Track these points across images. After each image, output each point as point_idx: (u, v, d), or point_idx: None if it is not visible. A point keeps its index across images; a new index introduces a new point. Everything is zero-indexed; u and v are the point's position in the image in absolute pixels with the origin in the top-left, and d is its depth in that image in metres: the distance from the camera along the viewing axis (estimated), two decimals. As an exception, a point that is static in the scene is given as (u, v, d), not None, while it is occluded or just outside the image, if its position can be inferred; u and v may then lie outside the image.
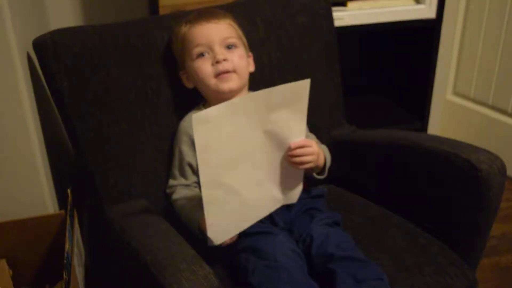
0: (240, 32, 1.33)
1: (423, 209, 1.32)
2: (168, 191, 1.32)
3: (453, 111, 2.55)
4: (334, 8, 1.60)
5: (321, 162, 1.27)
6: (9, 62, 1.19)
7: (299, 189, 1.25)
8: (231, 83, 1.26)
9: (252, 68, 1.35)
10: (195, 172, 1.28)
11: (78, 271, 1.30)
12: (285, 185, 1.22)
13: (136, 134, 1.31)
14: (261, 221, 1.21)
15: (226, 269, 1.20)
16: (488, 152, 1.21)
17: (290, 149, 1.16)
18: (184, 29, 1.29)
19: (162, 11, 1.68)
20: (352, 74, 1.86)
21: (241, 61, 1.27)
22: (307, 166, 1.20)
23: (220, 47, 1.25)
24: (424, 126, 2.18)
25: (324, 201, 1.35)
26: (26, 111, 1.25)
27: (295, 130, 1.16)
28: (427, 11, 1.95)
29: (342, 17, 1.86)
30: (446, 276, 1.15)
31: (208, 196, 1.06)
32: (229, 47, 1.26)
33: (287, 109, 1.11)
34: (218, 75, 1.25)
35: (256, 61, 1.38)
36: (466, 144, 1.26)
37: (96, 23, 1.32)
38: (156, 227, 1.15)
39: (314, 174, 1.30)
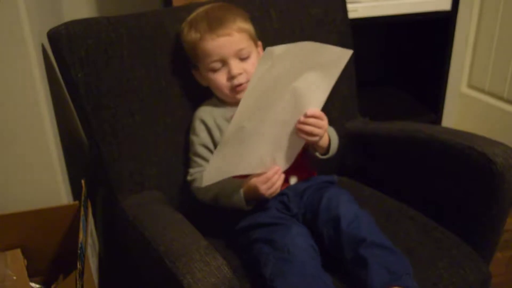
0: (251, 30, 1.30)
1: (437, 202, 1.32)
2: (189, 178, 1.31)
3: (468, 104, 2.53)
4: (348, 0, 1.59)
5: (324, 143, 1.27)
6: (24, 54, 1.20)
7: (290, 160, 1.23)
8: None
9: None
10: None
11: (92, 261, 1.31)
12: (283, 150, 1.21)
13: (150, 125, 1.32)
14: (278, 211, 1.23)
15: (239, 260, 1.20)
16: (503, 145, 1.20)
17: (305, 115, 1.16)
18: (194, 36, 1.27)
19: (175, 3, 1.68)
20: (366, 66, 1.85)
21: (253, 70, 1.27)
22: (313, 138, 1.20)
23: (235, 60, 1.25)
24: (438, 119, 2.17)
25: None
26: (41, 102, 1.25)
27: (317, 98, 1.16)
28: (442, 3, 1.94)
29: (356, 8, 1.85)
30: (460, 270, 1.14)
31: (228, 137, 1.08)
32: (242, 57, 1.26)
33: (321, 72, 1.12)
34: (233, 88, 1.26)
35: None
36: (482, 137, 1.25)
37: (110, 15, 1.32)
38: (170, 218, 1.15)
39: (317, 154, 1.29)
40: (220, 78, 1.27)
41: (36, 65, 1.22)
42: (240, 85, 1.26)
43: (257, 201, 1.22)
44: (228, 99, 1.30)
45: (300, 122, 1.17)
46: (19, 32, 1.18)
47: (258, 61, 1.01)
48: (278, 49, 1.00)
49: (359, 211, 1.18)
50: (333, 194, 1.22)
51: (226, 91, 1.28)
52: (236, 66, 1.25)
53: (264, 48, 1.32)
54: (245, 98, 1.05)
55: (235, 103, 1.29)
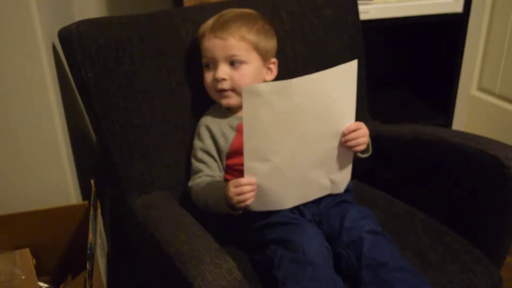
0: (258, 43, 1.27)
1: (448, 205, 1.31)
2: (189, 184, 1.30)
3: (478, 107, 2.52)
4: (359, 2, 1.58)
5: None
6: (35, 53, 1.20)
7: (347, 179, 1.27)
8: (230, 100, 1.28)
9: (271, 76, 1.33)
10: (216, 160, 1.30)
11: (101, 262, 1.31)
12: (334, 173, 1.23)
13: (160, 125, 1.32)
14: (291, 212, 1.22)
15: (250, 262, 1.20)
16: (516, 149, 1.19)
17: (343, 134, 1.18)
18: (200, 31, 1.30)
19: (186, 3, 1.68)
20: (377, 68, 1.85)
21: (243, 80, 1.25)
22: (360, 148, 1.21)
23: (224, 64, 1.25)
24: (448, 122, 2.16)
25: (351, 195, 1.34)
26: (51, 102, 1.25)
27: (346, 113, 1.18)
28: (454, 5, 1.93)
29: (367, 10, 1.85)
30: (470, 274, 1.14)
31: (250, 168, 1.10)
32: (233, 63, 1.25)
33: (338, 92, 1.13)
34: (217, 90, 1.28)
35: (280, 54, 1.37)
36: (494, 140, 1.24)
37: (121, 14, 1.32)
38: (180, 219, 1.15)
39: (359, 154, 1.27)
40: (208, 77, 1.29)
41: (47, 64, 1.22)
42: (223, 90, 1.26)
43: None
44: (215, 100, 1.32)
45: (342, 142, 1.18)
46: (30, 31, 1.18)
47: (243, 101, 1.03)
48: (262, 86, 1.04)
49: (381, 234, 1.16)
50: (356, 215, 1.21)
51: (211, 91, 1.30)
52: (222, 70, 1.25)
53: (279, 54, 1.34)
54: (246, 137, 1.07)
55: (240, 111, 1.29)
